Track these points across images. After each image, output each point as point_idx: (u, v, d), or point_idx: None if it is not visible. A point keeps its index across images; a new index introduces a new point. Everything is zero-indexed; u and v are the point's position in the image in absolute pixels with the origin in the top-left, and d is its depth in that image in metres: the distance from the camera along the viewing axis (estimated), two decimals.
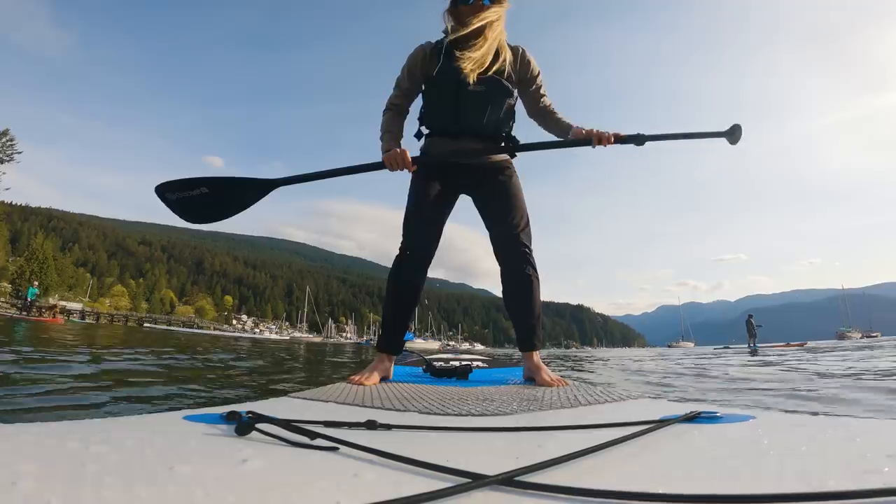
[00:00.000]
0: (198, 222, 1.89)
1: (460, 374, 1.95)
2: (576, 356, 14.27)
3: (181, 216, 1.84)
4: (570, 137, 1.82)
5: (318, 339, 65.17)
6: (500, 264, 1.83)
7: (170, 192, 1.81)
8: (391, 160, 1.69)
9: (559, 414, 0.98)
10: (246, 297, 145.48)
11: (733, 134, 1.77)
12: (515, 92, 1.82)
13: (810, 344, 18.54)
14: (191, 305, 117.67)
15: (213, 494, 0.37)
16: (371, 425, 0.69)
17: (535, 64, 1.84)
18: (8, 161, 45.96)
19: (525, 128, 1.92)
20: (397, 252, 1.81)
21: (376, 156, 1.79)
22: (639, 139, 1.73)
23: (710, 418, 0.72)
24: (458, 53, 1.69)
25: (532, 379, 1.70)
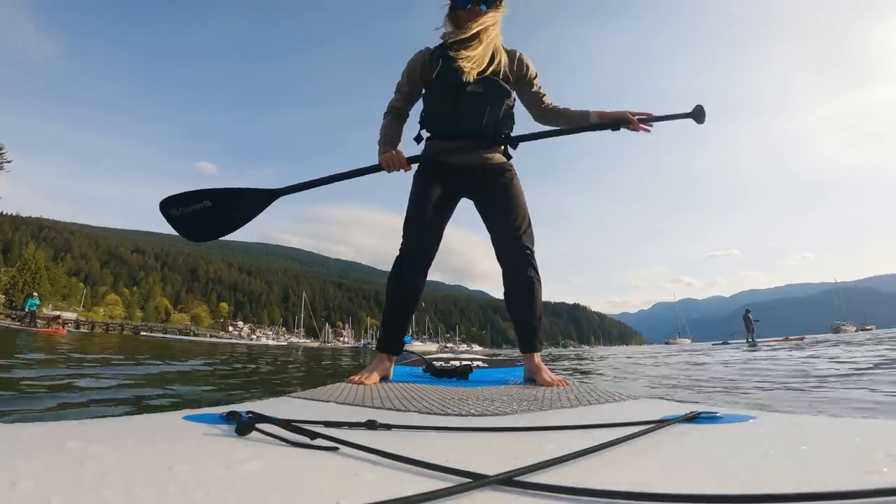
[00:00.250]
0: (201, 240, 1.85)
1: (460, 374, 1.95)
2: (576, 355, 14.29)
3: (184, 234, 1.82)
4: (594, 121, 1.82)
5: (315, 344, 64.93)
6: (501, 266, 1.84)
7: (174, 208, 1.80)
8: (387, 161, 1.73)
9: (559, 414, 0.98)
10: (242, 304, 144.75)
11: (699, 116, 1.82)
12: (513, 94, 1.85)
13: (808, 339, 18.53)
14: (186, 313, 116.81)
15: (213, 494, 0.37)
16: (371, 425, 0.69)
17: (531, 65, 1.87)
18: None
19: (525, 128, 1.93)
20: (397, 253, 1.82)
21: (373, 159, 1.82)
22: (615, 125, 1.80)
23: (710, 418, 0.72)
24: (454, 54, 1.73)
25: (533, 379, 1.70)
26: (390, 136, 1.84)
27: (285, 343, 64.53)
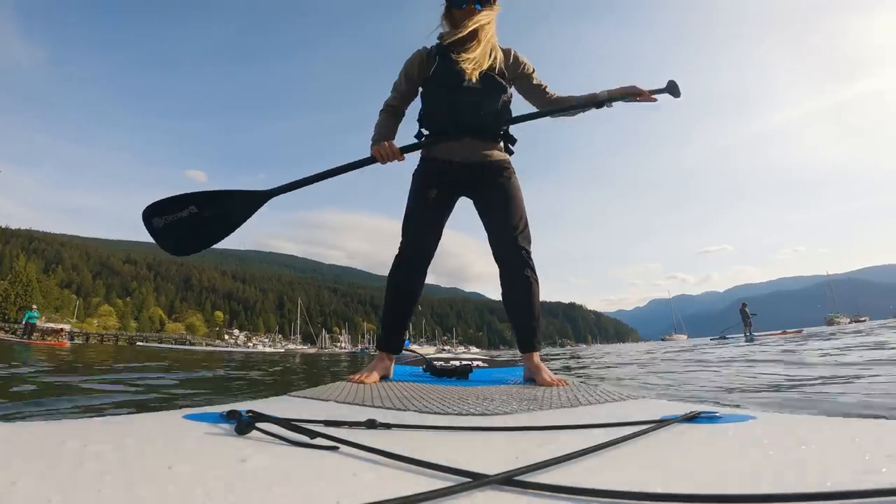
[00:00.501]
0: (186, 253, 1.73)
1: (460, 373, 1.95)
2: (574, 354, 14.30)
3: (169, 247, 1.71)
4: (604, 98, 1.83)
5: (312, 350, 64.56)
6: (499, 266, 1.84)
7: (157, 217, 1.68)
8: (380, 153, 1.72)
9: (559, 414, 0.98)
10: (237, 312, 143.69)
11: (674, 90, 1.85)
12: (510, 89, 1.86)
13: (805, 331, 18.59)
14: (181, 322, 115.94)
15: (213, 494, 0.37)
16: (371, 424, 0.69)
17: (527, 61, 1.89)
18: None
19: (525, 129, 1.98)
20: (397, 253, 1.83)
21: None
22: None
23: (710, 418, 0.71)
24: (455, 56, 1.75)
25: (532, 379, 1.71)
26: (384, 130, 1.85)
27: (282, 350, 64.14)
